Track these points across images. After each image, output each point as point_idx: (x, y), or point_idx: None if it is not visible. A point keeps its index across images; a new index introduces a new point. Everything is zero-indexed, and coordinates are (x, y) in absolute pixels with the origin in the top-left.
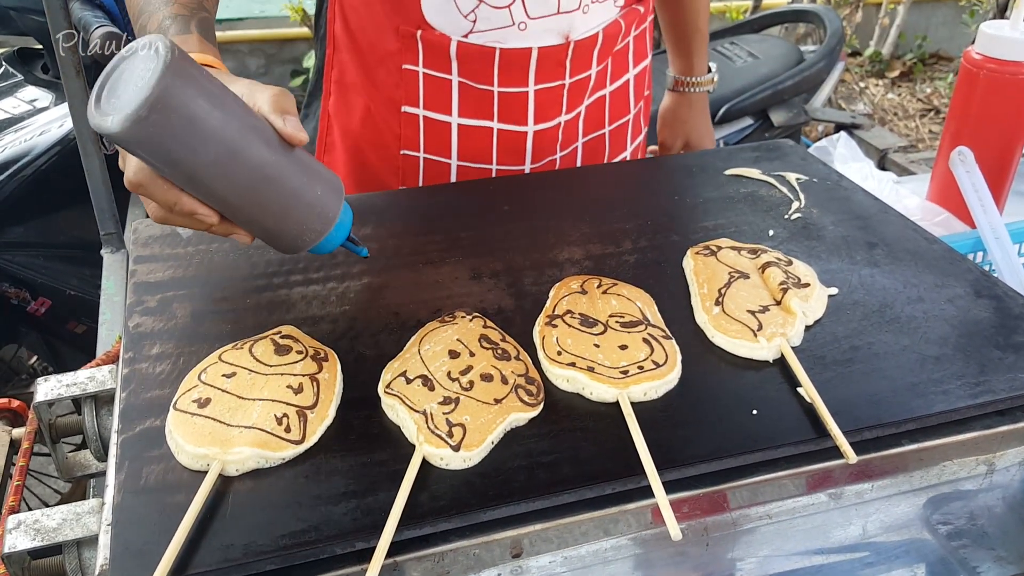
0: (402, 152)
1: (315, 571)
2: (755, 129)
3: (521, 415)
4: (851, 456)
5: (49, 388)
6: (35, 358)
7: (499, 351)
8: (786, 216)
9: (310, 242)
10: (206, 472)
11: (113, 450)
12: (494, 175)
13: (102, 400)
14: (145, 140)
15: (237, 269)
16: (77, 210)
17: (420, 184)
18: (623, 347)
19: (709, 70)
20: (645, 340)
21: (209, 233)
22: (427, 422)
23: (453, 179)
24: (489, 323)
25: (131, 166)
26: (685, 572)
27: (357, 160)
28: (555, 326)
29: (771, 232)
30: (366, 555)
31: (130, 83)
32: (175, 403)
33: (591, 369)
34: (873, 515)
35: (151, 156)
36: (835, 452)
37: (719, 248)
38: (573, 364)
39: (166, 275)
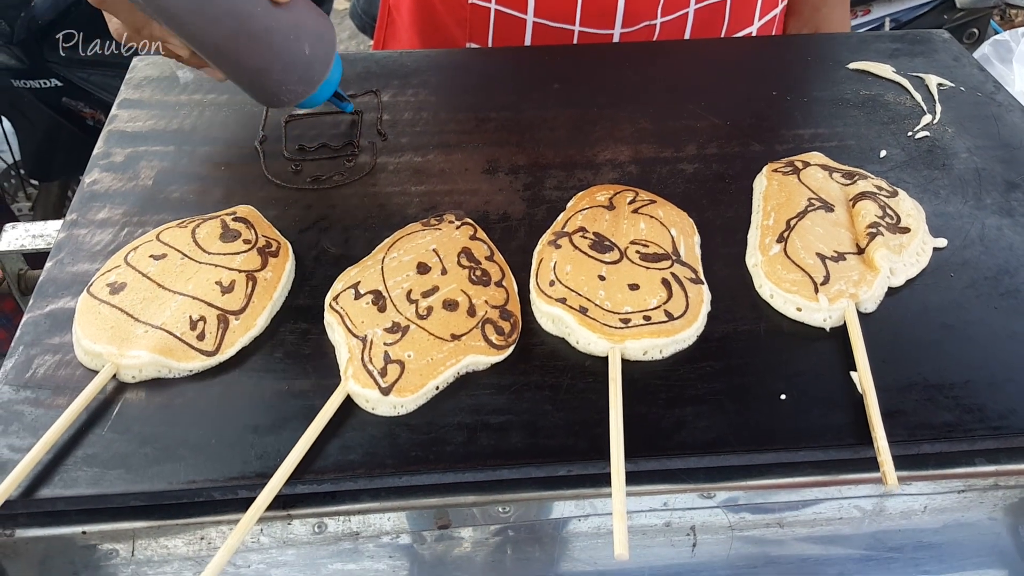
0: (471, 2)
1: (187, 514)
2: (933, 8)
3: (481, 358)
4: (891, 480)
5: (13, 238)
6: None
7: (478, 272)
8: (910, 133)
9: (289, 101)
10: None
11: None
12: (575, 40)
13: None
14: None
15: (226, 128)
16: None
17: (490, 44)
18: (634, 286)
19: None
20: (665, 281)
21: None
22: (363, 352)
23: (528, 40)
24: (480, 234)
25: None
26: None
27: (423, 6)
28: (559, 246)
29: (883, 152)
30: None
31: None
32: (90, 284)
33: (583, 310)
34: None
35: None
36: (874, 463)
37: (806, 165)
38: (564, 300)
39: (146, 125)
